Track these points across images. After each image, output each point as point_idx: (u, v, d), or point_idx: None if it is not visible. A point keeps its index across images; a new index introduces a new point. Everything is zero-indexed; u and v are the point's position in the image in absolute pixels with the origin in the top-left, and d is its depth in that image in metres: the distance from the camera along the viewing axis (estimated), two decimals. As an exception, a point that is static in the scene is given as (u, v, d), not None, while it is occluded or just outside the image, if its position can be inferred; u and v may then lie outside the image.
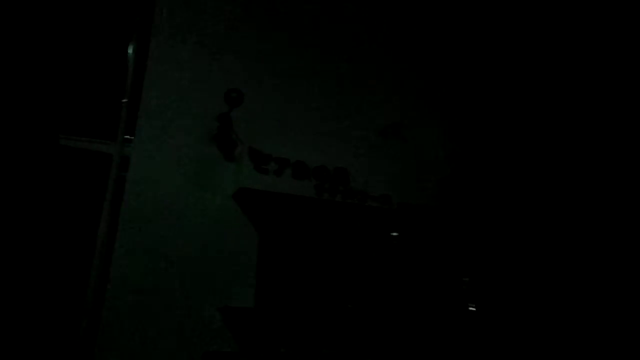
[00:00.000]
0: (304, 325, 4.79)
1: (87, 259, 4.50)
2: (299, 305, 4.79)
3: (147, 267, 4.29)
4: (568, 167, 6.05)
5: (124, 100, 4.93)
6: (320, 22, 5.65)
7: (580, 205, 5.80)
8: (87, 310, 4.23)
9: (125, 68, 4.95)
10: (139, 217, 4.38)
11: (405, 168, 5.71)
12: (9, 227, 4.39)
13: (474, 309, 5.69)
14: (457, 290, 5.72)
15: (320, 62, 5.50)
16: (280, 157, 4.85)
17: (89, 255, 4.48)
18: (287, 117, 5.11)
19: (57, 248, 4.60)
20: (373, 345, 5.00)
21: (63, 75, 4.86)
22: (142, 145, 4.59)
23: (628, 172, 5.49)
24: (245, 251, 4.71)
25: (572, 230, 5.71)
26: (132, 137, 4.71)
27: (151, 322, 4.18)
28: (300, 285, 4.82)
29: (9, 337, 4.66)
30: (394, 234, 5.51)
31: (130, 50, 5.01)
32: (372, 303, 5.13)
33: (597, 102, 5.95)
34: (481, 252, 6.04)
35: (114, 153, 4.82)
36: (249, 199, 4.68)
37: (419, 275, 5.48)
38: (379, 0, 6.21)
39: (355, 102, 5.58)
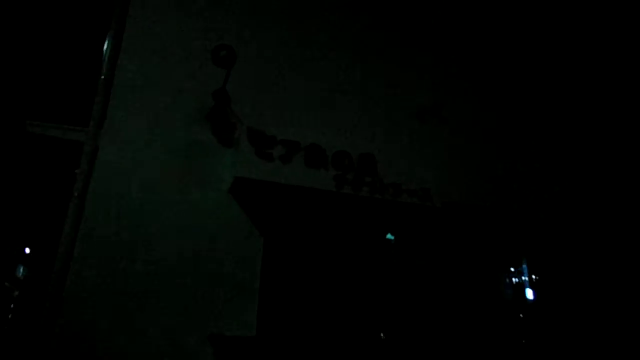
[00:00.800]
0: (324, 360, 3.61)
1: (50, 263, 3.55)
2: (316, 333, 3.62)
3: (111, 285, 3.25)
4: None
5: (102, 78, 4.05)
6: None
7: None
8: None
9: (102, 42, 4.12)
10: (106, 221, 3.38)
11: (447, 156, 4.51)
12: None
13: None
14: (510, 315, 4.48)
15: (341, 25, 4.44)
16: (287, 139, 3.79)
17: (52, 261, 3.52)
18: (298, 92, 4.08)
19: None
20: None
21: (29, 54, 4.08)
22: (113, 130, 3.64)
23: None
24: (244, 260, 3.62)
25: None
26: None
27: None
28: (316, 305, 3.66)
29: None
30: (436, 238, 4.31)
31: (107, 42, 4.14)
32: (410, 331, 3.91)
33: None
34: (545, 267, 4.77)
35: (85, 141, 3.91)
36: (249, 193, 3.63)
37: (468, 294, 4.24)
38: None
39: (386, 77, 4.49)
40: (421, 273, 4.18)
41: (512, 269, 4.83)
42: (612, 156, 5.11)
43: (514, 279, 4.79)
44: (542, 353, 4.24)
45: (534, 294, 4.65)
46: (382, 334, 3.76)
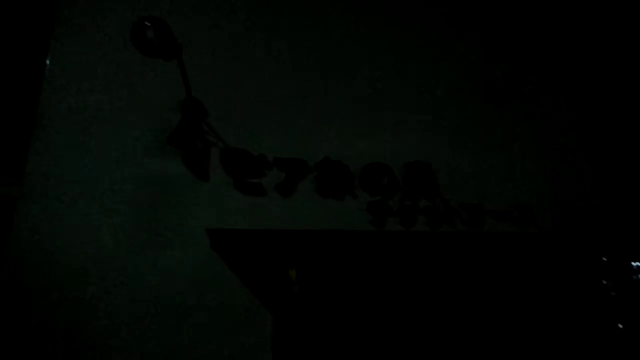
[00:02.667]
0: None
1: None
2: None
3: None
4: None
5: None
6: None
7: None
8: None
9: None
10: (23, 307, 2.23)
11: (541, 153, 2.90)
12: None
13: None
14: None
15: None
16: (285, 157, 2.40)
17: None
18: (297, 81, 2.71)
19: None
20: None
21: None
22: (38, 174, 2.52)
23: None
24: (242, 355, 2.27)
25: None
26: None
27: None
28: None
29: None
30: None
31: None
32: None
33: None
34: None
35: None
36: (234, 249, 2.30)
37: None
38: None
39: (440, 45, 3.00)
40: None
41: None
42: None
43: None
44: None
45: None
46: None
